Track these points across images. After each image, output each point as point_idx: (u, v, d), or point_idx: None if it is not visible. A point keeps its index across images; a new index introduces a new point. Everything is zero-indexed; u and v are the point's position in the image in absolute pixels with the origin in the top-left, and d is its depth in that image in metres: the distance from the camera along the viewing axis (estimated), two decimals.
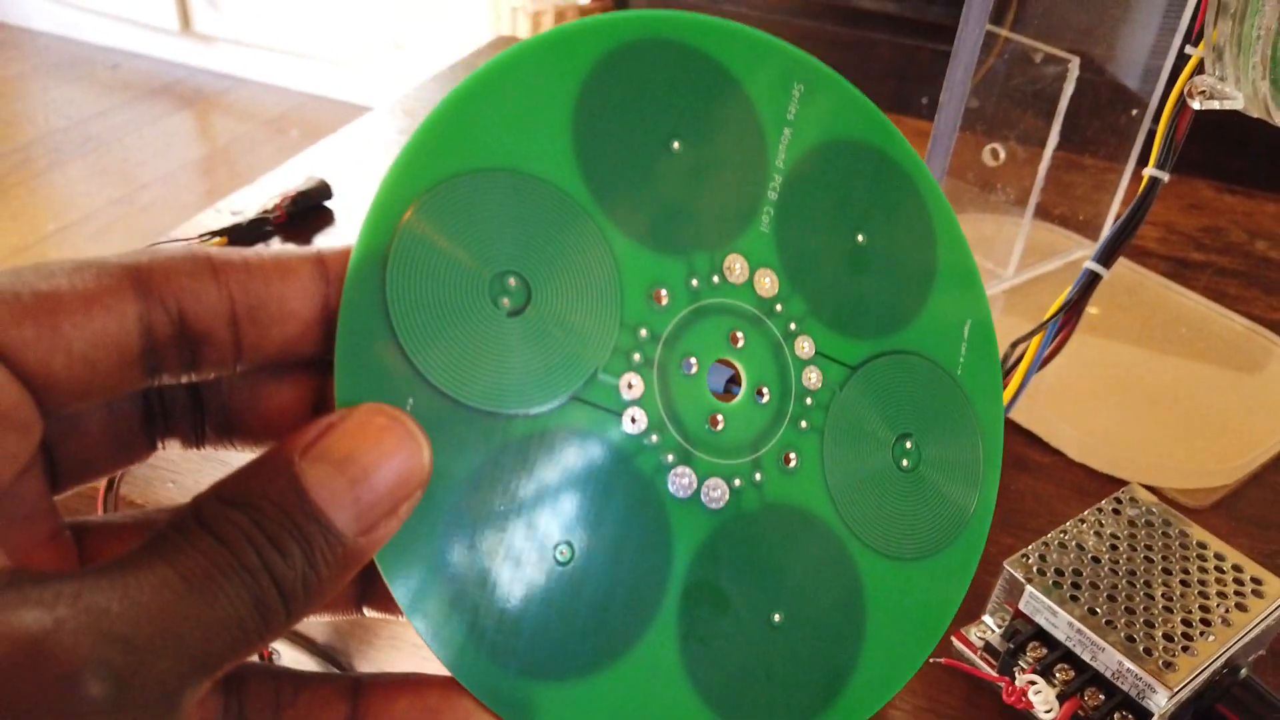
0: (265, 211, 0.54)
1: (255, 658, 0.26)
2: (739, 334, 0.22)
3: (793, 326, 0.22)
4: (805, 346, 0.22)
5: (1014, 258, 0.53)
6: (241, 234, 0.52)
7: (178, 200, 1.73)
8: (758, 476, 0.22)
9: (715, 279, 0.21)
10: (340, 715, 0.19)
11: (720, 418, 0.21)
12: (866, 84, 0.24)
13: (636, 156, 0.21)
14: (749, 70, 0.22)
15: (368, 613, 0.21)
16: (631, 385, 0.21)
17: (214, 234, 0.51)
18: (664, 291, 0.21)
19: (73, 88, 2.06)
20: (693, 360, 0.21)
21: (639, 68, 0.21)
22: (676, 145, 0.21)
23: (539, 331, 0.20)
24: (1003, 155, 0.53)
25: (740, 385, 0.22)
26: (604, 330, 0.20)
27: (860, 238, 0.23)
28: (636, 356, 0.21)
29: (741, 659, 0.22)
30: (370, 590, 0.21)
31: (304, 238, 0.54)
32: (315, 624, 0.37)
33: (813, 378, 0.22)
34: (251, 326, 0.18)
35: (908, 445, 0.23)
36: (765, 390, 0.22)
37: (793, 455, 0.22)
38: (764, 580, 0.22)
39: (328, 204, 0.56)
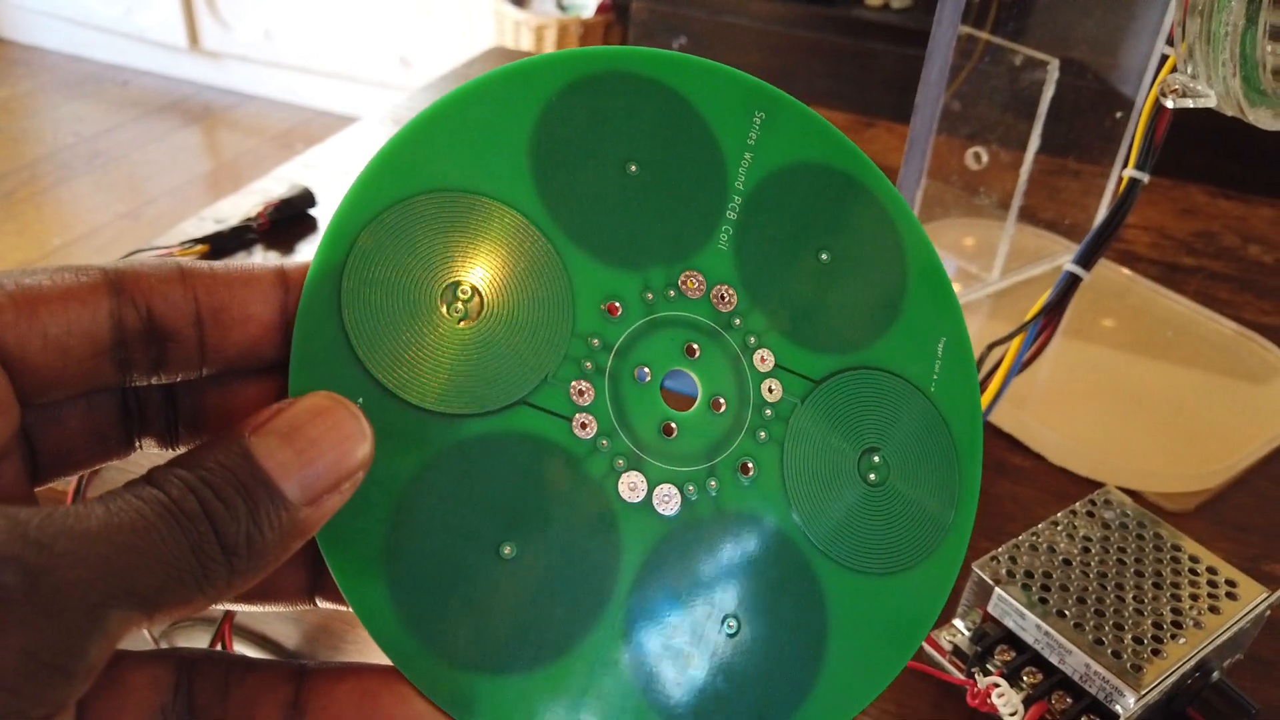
0: (248, 219, 0.54)
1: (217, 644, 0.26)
2: (695, 345, 0.22)
3: (751, 340, 0.23)
4: (765, 359, 0.23)
5: (998, 262, 0.53)
6: (224, 241, 0.52)
7: (184, 215, 1.74)
8: (712, 484, 0.22)
9: (671, 293, 0.22)
10: (284, 697, 0.20)
11: (674, 426, 0.22)
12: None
13: (592, 178, 0.22)
14: (708, 100, 0.23)
15: (320, 604, 0.22)
16: (582, 392, 0.21)
17: (196, 241, 0.52)
18: (618, 304, 0.22)
19: (82, 105, 2.08)
20: (645, 370, 0.22)
21: (598, 97, 0.22)
22: (633, 168, 0.22)
23: (490, 338, 0.21)
24: (985, 159, 0.52)
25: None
26: (556, 339, 0.21)
27: (824, 256, 0.23)
28: (588, 364, 0.21)
29: (692, 666, 0.22)
30: (321, 581, 0.22)
31: (287, 245, 0.54)
32: (283, 627, 0.37)
33: (773, 390, 0.23)
34: (215, 327, 0.20)
35: (875, 459, 0.23)
36: (722, 401, 0.22)
37: (750, 465, 0.22)
38: (717, 587, 0.22)
39: (311, 212, 0.57)
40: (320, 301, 0.20)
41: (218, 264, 0.20)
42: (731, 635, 0.22)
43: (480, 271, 0.21)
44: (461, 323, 0.21)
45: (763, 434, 0.23)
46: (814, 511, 0.23)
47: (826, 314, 0.23)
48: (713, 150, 0.23)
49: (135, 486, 0.16)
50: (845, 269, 0.24)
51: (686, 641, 0.22)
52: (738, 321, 0.23)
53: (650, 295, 0.22)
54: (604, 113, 0.22)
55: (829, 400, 0.23)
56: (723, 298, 0.23)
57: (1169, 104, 0.37)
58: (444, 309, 0.21)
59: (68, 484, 0.37)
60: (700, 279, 0.22)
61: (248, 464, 0.17)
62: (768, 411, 0.23)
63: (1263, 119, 0.36)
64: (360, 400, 0.20)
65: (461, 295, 0.21)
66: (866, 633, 0.23)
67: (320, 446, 0.18)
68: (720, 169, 0.23)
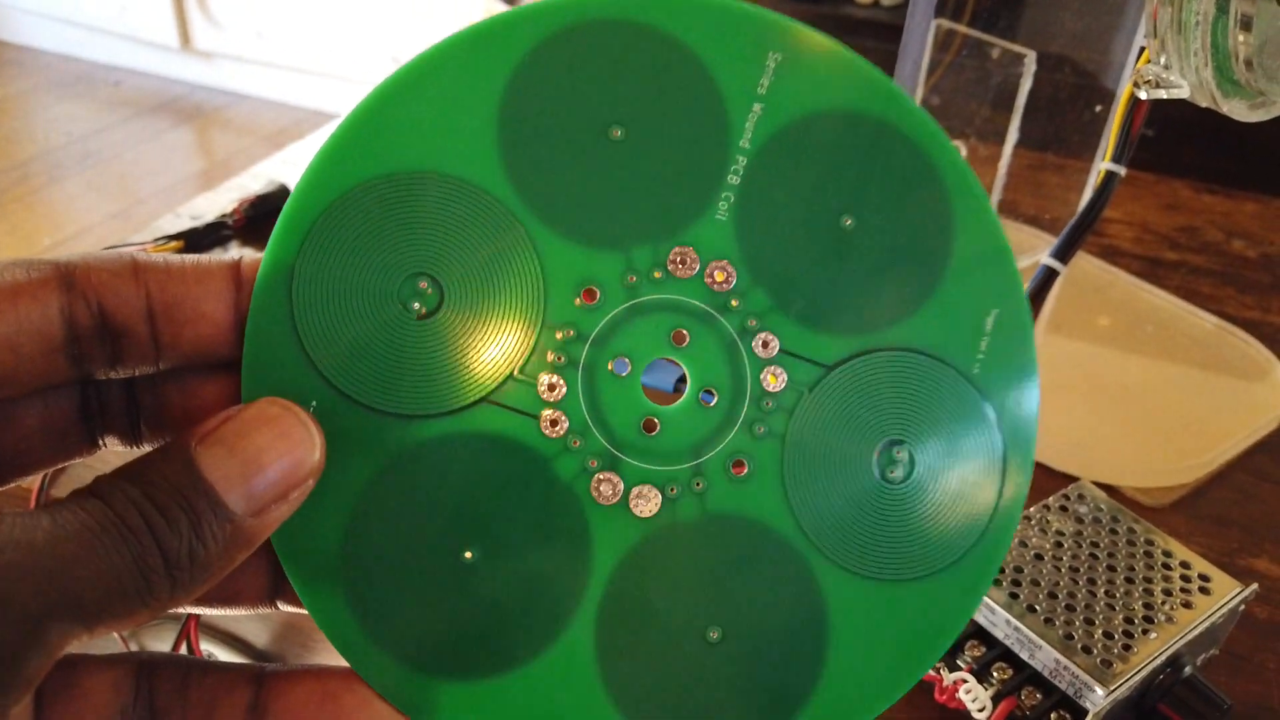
0: (223, 216, 0.54)
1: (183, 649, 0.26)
2: (684, 332, 0.20)
3: (752, 323, 0.20)
4: (768, 344, 0.20)
5: None
6: (198, 238, 0.52)
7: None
8: (698, 484, 0.20)
9: (658, 274, 0.20)
10: (244, 699, 0.20)
11: (657, 421, 0.20)
12: None
13: (568, 148, 0.20)
14: (710, 42, 0.20)
15: (281, 607, 0.22)
16: (553, 386, 0.20)
17: (171, 238, 0.51)
18: (595, 290, 0.20)
19: (74, 105, 2.08)
20: (625, 361, 0.20)
21: (576, 53, 0.20)
22: (617, 133, 0.20)
23: (451, 334, 0.20)
24: (964, 153, 0.52)
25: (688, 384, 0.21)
26: (524, 332, 0.20)
27: (847, 221, 0.20)
28: (560, 358, 0.20)
29: (668, 675, 0.21)
30: (283, 584, 0.22)
31: (262, 241, 0.54)
32: (251, 626, 0.37)
33: (775, 379, 0.21)
34: (167, 324, 0.19)
35: (897, 454, 0.21)
36: (714, 392, 0.20)
37: (745, 462, 0.21)
38: (700, 594, 0.21)
39: None
40: (271, 300, 0.19)
41: (173, 258, 0.20)
42: (713, 645, 0.21)
43: (440, 261, 0.20)
44: (419, 318, 0.20)
45: (761, 428, 0.21)
46: (819, 513, 0.21)
47: (846, 289, 0.20)
48: (715, 103, 0.20)
49: (80, 498, 0.16)
50: (873, 235, 0.20)
51: (662, 650, 0.21)
52: (735, 302, 0.20)
53: (633, 277, 0.20)
54: (584, 69, 0.20)
55: (844, 387, 0.21)
56: (719, 276, 0.20)
57: (1143, 95, 0.37)
58: (400, 304, 0.20)
59: (32, 483, 0.37)
60: (693, 256, 0.20)
61: (191, 476, 0.17)
62: (768, 403, 0.20)
63: (1237, 110, 0.36)
64: (313, 404, 0.19)
65: (419, 288, 0.20)
66: (873, 646, 0.21)
67: (267, 456, 0.18)
68: (722, 125, 0.20)
